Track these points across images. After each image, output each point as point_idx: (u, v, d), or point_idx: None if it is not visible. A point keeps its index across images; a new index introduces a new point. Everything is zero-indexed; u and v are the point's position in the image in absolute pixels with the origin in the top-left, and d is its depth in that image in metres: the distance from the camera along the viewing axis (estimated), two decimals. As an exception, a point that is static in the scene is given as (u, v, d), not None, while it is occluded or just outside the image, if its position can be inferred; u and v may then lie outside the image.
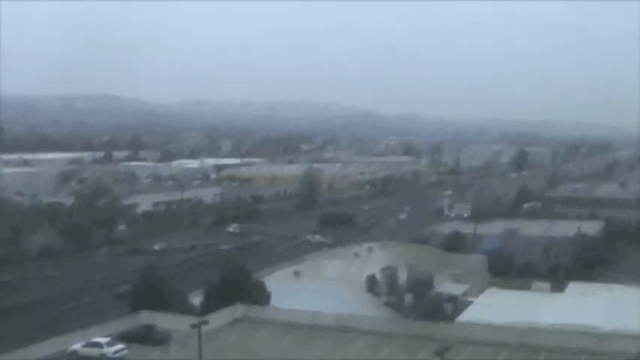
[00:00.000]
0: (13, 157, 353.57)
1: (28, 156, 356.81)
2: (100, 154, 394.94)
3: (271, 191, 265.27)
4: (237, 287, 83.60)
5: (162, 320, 76.44)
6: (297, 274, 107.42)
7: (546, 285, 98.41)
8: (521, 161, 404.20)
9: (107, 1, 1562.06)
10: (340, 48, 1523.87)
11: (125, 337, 72.12)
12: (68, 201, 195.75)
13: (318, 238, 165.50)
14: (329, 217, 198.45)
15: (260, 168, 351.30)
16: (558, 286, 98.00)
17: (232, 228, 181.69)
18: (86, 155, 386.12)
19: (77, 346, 69.76)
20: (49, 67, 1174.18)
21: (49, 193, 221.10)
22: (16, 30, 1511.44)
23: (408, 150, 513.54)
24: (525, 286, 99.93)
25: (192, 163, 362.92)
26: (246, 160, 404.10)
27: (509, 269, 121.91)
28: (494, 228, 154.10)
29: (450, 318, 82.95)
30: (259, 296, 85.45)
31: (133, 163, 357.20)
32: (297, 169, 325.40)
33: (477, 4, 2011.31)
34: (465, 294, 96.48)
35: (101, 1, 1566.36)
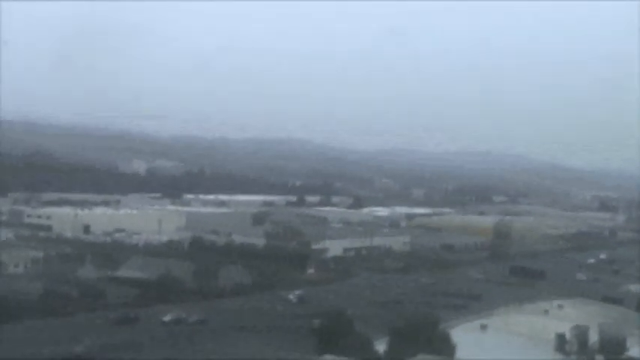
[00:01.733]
0: (211, 197, 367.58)
1: (224, 197, 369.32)
2: (293, 198, 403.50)
3: (461, 241, 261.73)
4: (422, 336, 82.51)
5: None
6: (483, 327, 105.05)
7: None
8: None
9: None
10: (525, 101, 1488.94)
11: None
12: (260, 242, 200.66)
13: (507, 291, 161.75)
14: (519, 269, 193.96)
15: (450, 217, 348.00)
16: None
17: (421, 276, 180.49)
18: (279, 198, 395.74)
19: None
20: (243, 112, 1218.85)
21: (243, 233, 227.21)
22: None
23: (603, 205, 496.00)
24: None
25: (383, 211, 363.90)
26: (437, 209, 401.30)
27: None
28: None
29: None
30: (444, 348, 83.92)
31: (325, 208, 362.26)
32: (488, 220, 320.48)
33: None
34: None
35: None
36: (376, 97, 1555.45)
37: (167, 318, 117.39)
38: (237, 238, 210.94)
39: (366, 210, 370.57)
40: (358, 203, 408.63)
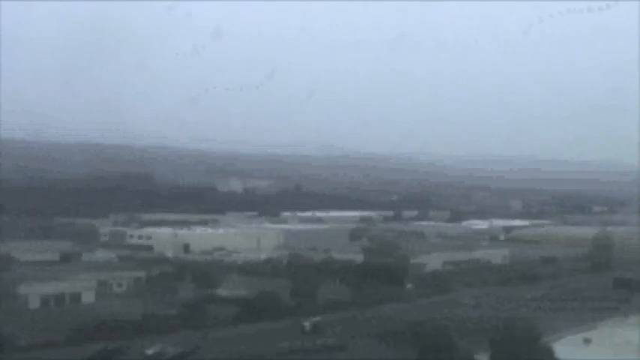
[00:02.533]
0: (308, 214, 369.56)
1: (321, 213, 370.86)
2: (390, 213, 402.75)
3: (561, 253, 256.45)
4: (524, 350, 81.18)
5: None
6: (587, 341, 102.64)
7: None
8: None
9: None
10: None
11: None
12: (358, 257, 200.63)
13: (610, 303, 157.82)
14: (622, 281, 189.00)
15: (549, 229, 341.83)
16: None
17: (522, 290, 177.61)
18: (375, 214, 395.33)
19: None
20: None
21: (340, 249, 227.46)
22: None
23: None
24: None
25: (481, 224, 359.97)
26: (535, 221, 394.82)
27: None
28: None
29: None
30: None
31: (422, 223, 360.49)
32: (588, 231, 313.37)
33: None
34: None
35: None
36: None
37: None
38: (335, 255, 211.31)
39: (464, 223, 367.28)
40: (456, 217, 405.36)
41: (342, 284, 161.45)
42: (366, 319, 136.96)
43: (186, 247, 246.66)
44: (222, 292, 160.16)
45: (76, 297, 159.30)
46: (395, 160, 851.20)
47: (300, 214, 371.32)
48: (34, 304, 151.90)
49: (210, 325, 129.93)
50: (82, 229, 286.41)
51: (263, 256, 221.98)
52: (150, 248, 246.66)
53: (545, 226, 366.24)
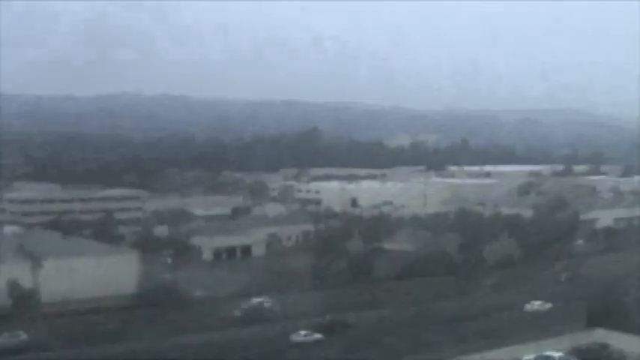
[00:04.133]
0: (475, 168, 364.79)
1: (489, 168, 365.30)
2: (559, 168, 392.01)
3: None
4: None
5: (618, 340, 73.17)
6: None
7: None
8: None
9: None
10: None
11: (578, 354, 70.14)
12: (526, 213, 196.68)
13: None
14: None
15: None
16: None
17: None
18: (545, 168, 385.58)
19: (530, 358, 69.30)
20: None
21: (508, 204, 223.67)
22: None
23: None
24: None
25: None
26: None
27: None
28: None
29: None
30: None
31: (594, 177, 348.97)
32: None
33: None
34: None
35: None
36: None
37: None
38: (504, 210, 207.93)
39: (637, 178, 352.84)
40: (629, 171, 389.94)
41: (512, 240, 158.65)
42: (539, 277, 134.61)
43: (354, 202, 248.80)
44: (390, 246, 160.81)
45: (246, 250, 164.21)
46: (564, 115, 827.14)
47: (467, 168, 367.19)
48: (207, 256, 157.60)
49: (378, 278, 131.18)
50: (253, 184, 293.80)
51: (430, 210, 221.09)
52: (318, 202, 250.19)
53: None
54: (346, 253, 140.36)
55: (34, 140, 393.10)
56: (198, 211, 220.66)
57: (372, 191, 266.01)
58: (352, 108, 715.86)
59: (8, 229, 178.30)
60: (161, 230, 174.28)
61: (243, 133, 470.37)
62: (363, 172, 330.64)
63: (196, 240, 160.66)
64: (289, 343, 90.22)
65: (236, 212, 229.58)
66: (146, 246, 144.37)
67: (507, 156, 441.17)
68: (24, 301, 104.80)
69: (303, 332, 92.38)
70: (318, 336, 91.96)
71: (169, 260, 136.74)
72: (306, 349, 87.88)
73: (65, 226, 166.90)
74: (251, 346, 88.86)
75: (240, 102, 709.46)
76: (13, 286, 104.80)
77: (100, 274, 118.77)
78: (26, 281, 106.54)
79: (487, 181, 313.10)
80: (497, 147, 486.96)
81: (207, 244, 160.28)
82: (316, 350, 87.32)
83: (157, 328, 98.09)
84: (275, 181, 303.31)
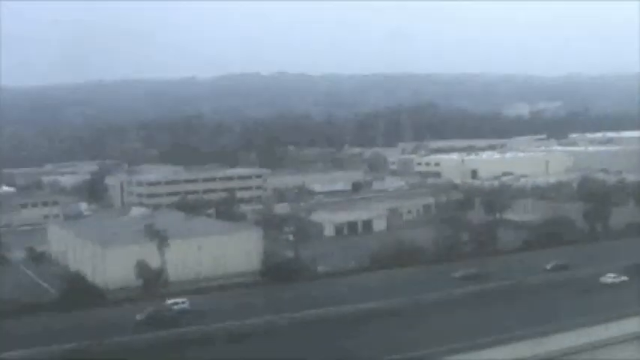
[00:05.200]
0: (598, 135, 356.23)
1: (611, 134, 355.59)
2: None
3: None
4: None
5: None
6: None
7: None
8: None
9: None
10: None
11: None
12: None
13: None
14: None
15: None
16: None
17: None
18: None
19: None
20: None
21: (634, 171, 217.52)
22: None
23: None
24: None
25: None
26: None
27: None
28: None
29: None
30: None
31: None
32: None
33: None
34: None
35: None
36: None
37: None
38: (628, 177, 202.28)
39: None
40: None
41: (638, 207, 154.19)
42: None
43: (474, 173, 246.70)
44: (512, 217, 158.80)
45: (368, 225, 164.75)
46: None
47: (589, 135, 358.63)
48: (329, 231, 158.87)
49: (502, 250, 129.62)
50: (372, 158, 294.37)
51: (552, 179, 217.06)
52: (438, 175, 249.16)
53: None
54: (469, 225, 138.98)
55: (158, 123, 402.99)
56: (318, 187, 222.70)
57: (491, 162, 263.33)
58: (472, 80, 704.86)
59: (136, 211, 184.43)
60: (282, 207, 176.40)
61: (360, 107, 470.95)
62: (482, 143, 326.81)
63: (317, 216, 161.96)
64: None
65: (356, 187, 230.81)
66: (268, 223, 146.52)
67: (630, 122, 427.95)
68: (153, 279, 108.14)
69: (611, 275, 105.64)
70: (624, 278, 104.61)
71: (291, 237, 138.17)
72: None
73: (189, 206, 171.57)
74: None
75: (356, 76, 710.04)
76: (142, 266, 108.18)
77: (225, 252, 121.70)
78: (154, 260, 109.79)
79: (610, 148, 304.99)
80: (619, 112, 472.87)
81: (328, 220, 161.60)
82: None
83: (287, 302, 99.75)
84: (393, 155, 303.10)
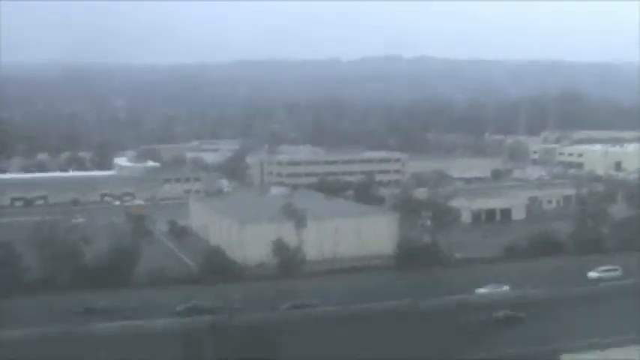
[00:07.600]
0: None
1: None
2: None
3: None
4: None
5: None
6: None
7: None
8: None
9: None
10: None
11: None
12: None
13: None
14: None
15: None
16: None
17: None
18: None
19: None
20: None
21: None
22: None
23: None
24: None
25: None
26: None
27: None
28: None
29: None
30: None
31: None
32: None
33: None
34: None
35: None
36: None
37: None
38: None
39: None
40: None
41: None
42: None
43: (618, 165, 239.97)
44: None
45: (506, 213, 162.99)
46: None
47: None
48: (466, 218, 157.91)
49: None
50: (513, 146, 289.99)
51: None
52: (580, 166, 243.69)
53: None
54: (611, 219, 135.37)
55: (304, 105, 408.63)
56: (457, 173, 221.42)
57: (638, 154, 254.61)
58: (621, 68, 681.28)
59: (275, 190, 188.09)
60: (420, 192, 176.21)
61: (506, 94, 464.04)
62: (628, 134, 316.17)
63: (455, 202, 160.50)
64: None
65: (496, 175, 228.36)
66: (406, 207, 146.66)
67: None
68: (290, 258, 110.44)
69: None
70: None
71: (429, 222, 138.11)
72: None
73: (328, 187, 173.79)
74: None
75: (508, 62, 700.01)
76: (280, 244, 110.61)
77: (362, 234, 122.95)
78: (292, 239, 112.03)
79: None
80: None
81: (466, 206, 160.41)
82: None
83: (424, 287, 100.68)
84: (536, 144, 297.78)
